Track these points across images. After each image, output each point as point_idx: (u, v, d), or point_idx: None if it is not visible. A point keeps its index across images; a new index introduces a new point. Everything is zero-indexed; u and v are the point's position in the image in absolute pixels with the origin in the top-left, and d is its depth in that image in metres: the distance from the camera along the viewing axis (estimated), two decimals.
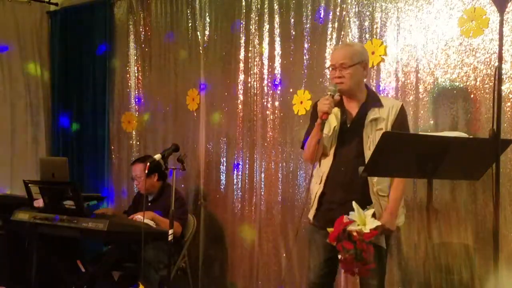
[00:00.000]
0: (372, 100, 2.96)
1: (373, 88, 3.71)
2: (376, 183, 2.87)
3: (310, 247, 3.08)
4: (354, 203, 2.68)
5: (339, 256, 2.64)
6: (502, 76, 2.42)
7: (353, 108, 2.97)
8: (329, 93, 2.86)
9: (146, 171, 3.83)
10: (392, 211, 2.86)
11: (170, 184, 3.83)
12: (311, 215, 3.05)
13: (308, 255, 3.12)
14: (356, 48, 2.98)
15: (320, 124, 2.81)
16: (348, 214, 2.80)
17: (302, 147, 3.10)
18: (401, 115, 2.94)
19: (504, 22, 2.40)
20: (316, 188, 3.01)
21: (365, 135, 2.90)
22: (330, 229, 2.69)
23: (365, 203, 2.81)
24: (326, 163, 2.97)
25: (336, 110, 2.95)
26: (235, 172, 4.49)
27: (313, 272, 3.03)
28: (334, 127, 2.94)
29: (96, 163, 5.48)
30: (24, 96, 5.67)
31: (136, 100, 5.22)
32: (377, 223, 2.62)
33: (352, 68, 2.87)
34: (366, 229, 2.58)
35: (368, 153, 2.84)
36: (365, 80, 3.04)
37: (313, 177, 3.05)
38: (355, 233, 2.58)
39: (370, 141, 2.87)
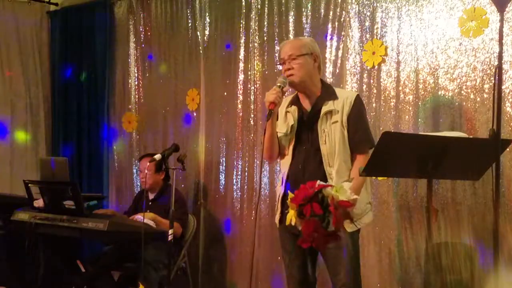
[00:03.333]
0: (327, 93, 2.87)
1: (373, 89, 3.73)
2: (335, 178, 2.75)
3: (282, 252, 3.00)
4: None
5: (299, 222, 2.31)
6: (502, 76, 2.41)
7: (308, 104, 2.90)
8: (278, 84, 2.79)
9: (152, 167, 4.07)
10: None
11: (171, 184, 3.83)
12: (276, 219, 2.95)
13: (283, 260, 3.03)
14: (304, 40, 2.95)
15: (268, 115, 2.74)
16: None
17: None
18: (357, 105, 2.84)
19: (504, 22, 2.40)
20: (279, 191, 2.94)
21: (320, 129, 2.81)
22: (292, 195, 2.36)
23: None
24: (286, 163, 2.91)
25: (293, 108, 2.91)
26: (235, 172, 4.49)
27: (292, 280, 2.94)
28: (292, 125, 2.88)
29: (96, 163, 5.48)
30: (24, 96, 5.67)
31: (136, 100, 5.22)
32: (355, 196, 2.33)
33: (300, 58, 2.82)
34: (343, 197, 2.30)
35: (323, 148, 2.79)
36: (321, 75, 2.95)
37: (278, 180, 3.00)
38: (330, 197, 2.29)
39: (326, 135, 2.79)
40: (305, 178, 2.78)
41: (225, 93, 4.58)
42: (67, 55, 5.75)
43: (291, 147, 2.89)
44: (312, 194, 2.29)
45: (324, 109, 2.82)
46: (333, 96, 2.85)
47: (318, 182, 2.35)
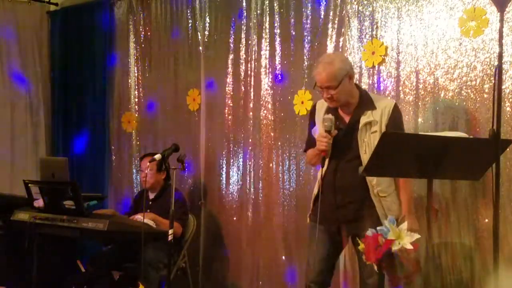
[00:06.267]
0: (365, 103, 2.98)
1: (373, 89, 3.72)
2: (376, 185, 2.91)
3: (309, 244, 3.12)
4: (387, 221, 2.57)
5: (387, 278, 2.54)
6: (502, 76, 2.41)
7: (347, 114, 3.01)
8: (326, 129, 2.89)
9: (154, 166, 4.13)
10: (411, 213, 2.97)
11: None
12: (308, 216, 3.16)
13: (307, 252, 3.15)
14: (337, 65, 2.90)
15: (322, 162, 2.91)
16: (346, 215, 2.89)
17: (305, 150, 3.20)
18: (394, 114, 2.96)
19: (504, 22, 2.40)
20: (315, 191, 3.10)
21: (360, 139, 2.93)
22: (362, 247, 2.59)
23: (365, 205, 2.91)
24: (323, 168, 3.00)
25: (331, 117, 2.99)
26: (235, 172, 4.49)
27: (312, 269, 3.06)
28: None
29: (96, 163, 5.48)
30: (24, 96, 5.67)
31: (136, 100, 5.22)
32: (416, 236, 2.51)
33: (338, 87, 2.89)
34: (408, 245, 2.48)
35: (364, 157, 2.90)
36: (355, 80, 3.10)
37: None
38: (400, 253, 2.48)
39: (365, 145, 2.91)
40: (344, 184, 2.96)
41: (226, 93, 4.57)
42: (67, 55, 5.75)
43: (328, 154, 2.98)
44: (382, 256, 2.48)
45: (363, 119, 2.94)
46: (371, 106, 2.96)
47: (380, 238, 2.49)
